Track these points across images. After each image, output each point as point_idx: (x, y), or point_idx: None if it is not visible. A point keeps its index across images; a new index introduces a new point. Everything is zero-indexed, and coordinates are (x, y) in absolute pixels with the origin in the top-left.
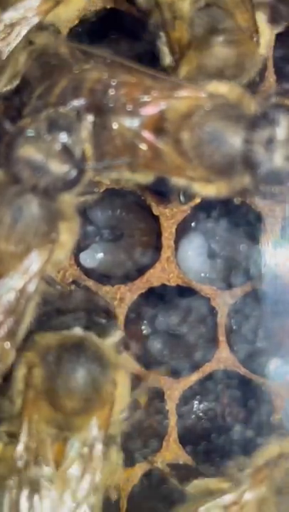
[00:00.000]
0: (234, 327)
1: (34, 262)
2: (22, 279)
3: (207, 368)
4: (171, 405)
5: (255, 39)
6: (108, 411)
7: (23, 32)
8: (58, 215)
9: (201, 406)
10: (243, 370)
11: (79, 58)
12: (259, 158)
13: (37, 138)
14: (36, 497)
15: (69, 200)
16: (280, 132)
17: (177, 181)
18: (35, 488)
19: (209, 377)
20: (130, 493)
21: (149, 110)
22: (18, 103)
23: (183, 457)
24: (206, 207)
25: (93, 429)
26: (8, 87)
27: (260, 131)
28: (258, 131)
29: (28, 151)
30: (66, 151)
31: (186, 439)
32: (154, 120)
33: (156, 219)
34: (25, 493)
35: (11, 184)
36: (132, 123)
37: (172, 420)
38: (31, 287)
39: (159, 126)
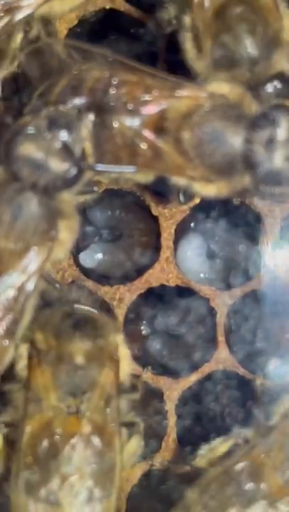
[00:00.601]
0: (233, 327)
1: (33, 260)
2: (21, 277)
3: (206, 369)
4: (170, 406)
5: (277, 16)
6: (116, 367)
7: (15, 19)
8: (58, 213)
9: (200, 406)
10: (242, 371)
11: (77, 59)
12: (259, 158)
13: (37, 136)
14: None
15: (68, 199)
16: (280, 133)
17: (177, 181)
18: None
19: (208, 377)
20: (129, 493)
21: (150, 109)
22: (18, 103)
23: (182, 458)
24: (205, 207)
25: (107, 386)
26: (9, 70)
27: (261, 132)
28: (258, 132)
29: (28, 149)
30: (66, 149)
31: (185, 439)
32: (154, 119)
33: (155, 219)
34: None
35: (11, 182)
36: (132, 122)
37: (171, 421)
38: (30, 285)
39: (159, 125)
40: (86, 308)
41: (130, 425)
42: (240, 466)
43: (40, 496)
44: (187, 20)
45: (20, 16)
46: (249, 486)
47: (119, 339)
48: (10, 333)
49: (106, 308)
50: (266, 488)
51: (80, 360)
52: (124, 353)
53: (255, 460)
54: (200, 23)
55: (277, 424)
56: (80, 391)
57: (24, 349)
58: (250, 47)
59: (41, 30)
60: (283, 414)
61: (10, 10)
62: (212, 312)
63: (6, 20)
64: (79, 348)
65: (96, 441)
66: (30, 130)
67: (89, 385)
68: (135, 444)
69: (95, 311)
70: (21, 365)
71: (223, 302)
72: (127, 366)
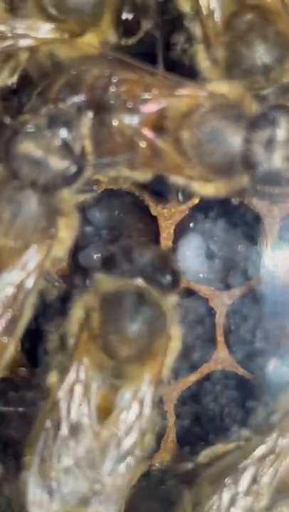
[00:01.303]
0: (232, 328)
1: (32, 257)
2: (20, 274)
3: (205, 369)
4: (169, 406)
5: (287, 20)
6: (160, 364)
7: (18, 45)
8: (57, 211)
9: (199, 407)
10: (241, 371)
11: (75, 59)
12: (258, 159)
13: (37, 134)
14: (72, 440)
15: (68, 196)
16: (280, 133)
17: (176, 180)
18: (74, 430)
19: (207, 377)
20: (128, 493)
21: (150, 108)
22: (17, 103)
23: (181, 458)
24: (204, 207)
25: (145, 382)
26: (9, 81)
27: (260, 132)
28: (257, 132)
29: (28, 147)
30: (66, 147)
31: (184, 439)
32: (154, 118)
33: (154, 219)
34: (63, 433)
35: (11, 180)
36: (132, 120)
37: (170, 421)
38: (29, 283)
39: (159, 124)
40: (156, 293)
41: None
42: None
43: None
44: (198, 31)
45: (23, 43)
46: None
47: (174, 332)
48: (9, 330)
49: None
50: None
51: (125, 352)
52: (174, 346)
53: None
54: (211, 34)
55: (279, 421)
56: (119, 377)
57: (77, 315)
58: (263, 54)
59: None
60: (285, 412)
61: (17, 35)
62: (211, 312)
63: (8, 43)
64: (129, 340)
65: (128, 425)
66: (30, 128)
67: (129, 375)
68: (149, 442)
69: (163, 299)
70: (70, 332)
71: (222, 302)
72: (172, 360)
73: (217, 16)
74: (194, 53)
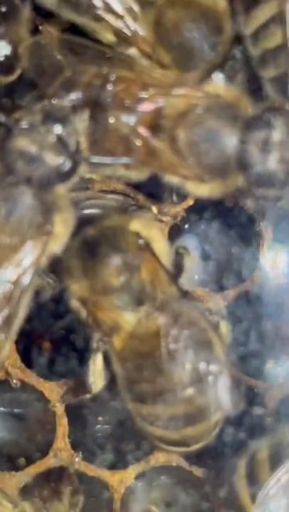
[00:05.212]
0: None
1: (28, 253)
2: (16, 270)
3: None
4: None
5: None
6: (151, 257)
7: None
8: (53, 206)
9: None
10: (235, 372)
11: (72, 61)
12: (253, 160)
13: (31, 130)
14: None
15: (63, 192)
16: (275, 135)
17: (171, 179)
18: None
19: None
20: (124, 494)
21: (146, 107)
22: (13, 102)
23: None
24: (199, 208)
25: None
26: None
27: (256, 133)
28: (253, 133)
29: (23, 143)
30: (61, 143)
31: None
32: (150, 117)
33: None
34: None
35: (6, 175)
36: (128, 119)
37: None
38: (26, 279)
39: (155, 123)
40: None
41: (180, 254)
42: None
43: None
44: None
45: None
46: None
47: (137, 222)
48: (5, 327)
49: None
50: None
51: (119, 281)
52: (153, 233)
53: None
54: None
55: None
56: (140, 301)
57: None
58: None
59: None
60: None
61: None
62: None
63: None
64: (113, 271)
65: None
66: (25, 124)
67: (141, 289)
68: (224, 329)
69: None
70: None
71: (216, 304)
72: (162, 244)
73: None
74: None
